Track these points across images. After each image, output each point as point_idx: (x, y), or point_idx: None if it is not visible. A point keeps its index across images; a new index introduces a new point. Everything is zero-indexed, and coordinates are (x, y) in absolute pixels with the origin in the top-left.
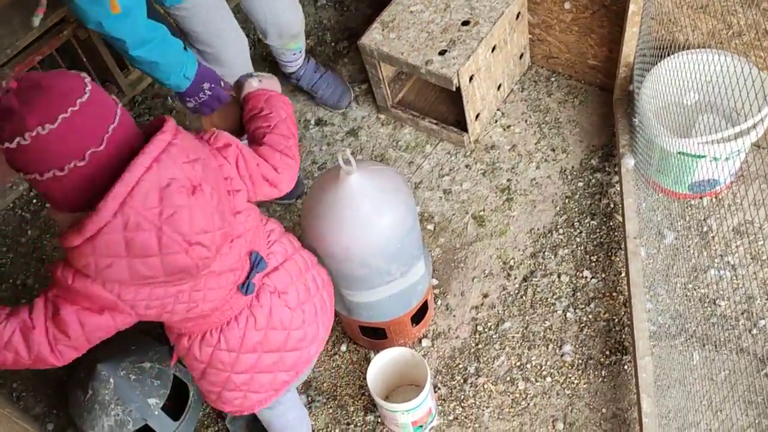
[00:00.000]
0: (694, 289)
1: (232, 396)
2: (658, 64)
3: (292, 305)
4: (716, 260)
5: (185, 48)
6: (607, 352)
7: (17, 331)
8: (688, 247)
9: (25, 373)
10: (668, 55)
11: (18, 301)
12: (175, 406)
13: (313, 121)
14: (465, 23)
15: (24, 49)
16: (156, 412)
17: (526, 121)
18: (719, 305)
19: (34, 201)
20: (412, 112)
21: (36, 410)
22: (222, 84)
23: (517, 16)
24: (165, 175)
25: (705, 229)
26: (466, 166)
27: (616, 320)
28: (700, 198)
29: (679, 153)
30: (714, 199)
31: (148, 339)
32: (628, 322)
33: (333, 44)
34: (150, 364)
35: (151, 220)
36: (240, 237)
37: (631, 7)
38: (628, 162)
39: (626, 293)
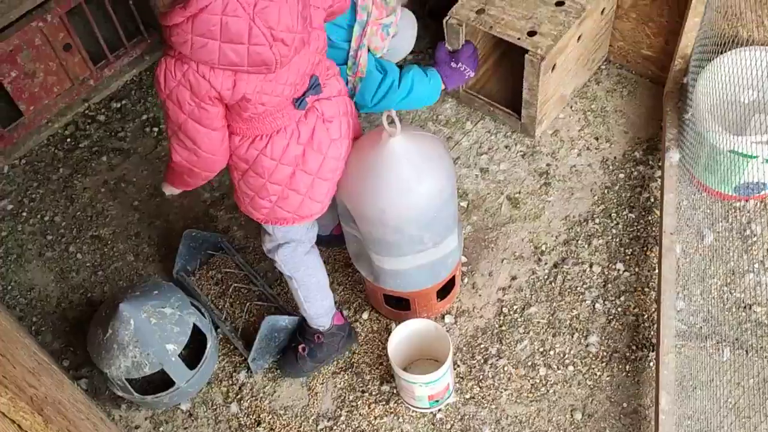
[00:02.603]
0: (730, 292)
1: (261, 204)
2: (717, 58)
3: (333, 135)
4: (756, 265)
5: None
6: (634, 347)
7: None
8: (728, 249)
9: (45, 308)
10: (729, 50)
11: (44, 237)
12: (191, 356)
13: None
14: None
15: None
16: (173, 359)
17: (571, 107)
18: (755, 311)
19: (68, 140)
20: (484, 97)
21: (54, 346)
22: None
23: None
24: None
25: (747, 232)
26: (506, 147)
27: (646, 316)
28: (746, 201)
29: (730, 151)
30: (760, 203)
31: (171, 285)
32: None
33: None
34: (171, 311)
35: (247, 9)
36: (308, 50)
37: None
38: (673, 156)
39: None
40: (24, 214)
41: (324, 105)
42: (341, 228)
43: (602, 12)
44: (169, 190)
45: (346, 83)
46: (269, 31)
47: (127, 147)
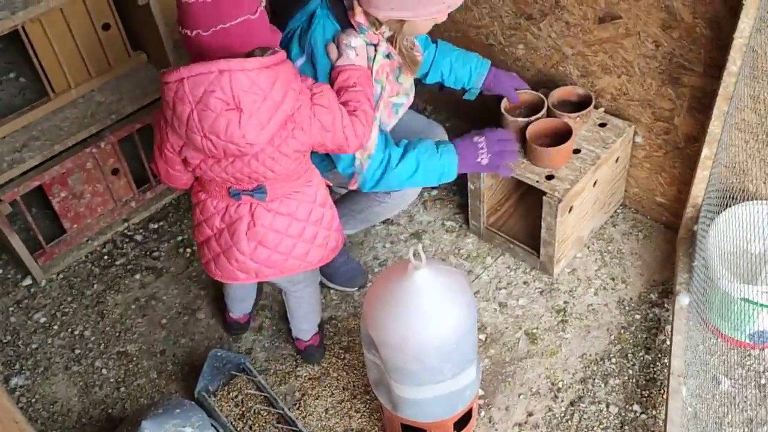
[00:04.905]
0: None
1: (197, 235)
2: (727, 210)
3: (251, 238)
4: None
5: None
6: None
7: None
8: (745, 397)
9: (66, 423)
10: (737, 202)
11: (72, 350)
12: None
13: (359, 165)
14: None
15: (127, 116)
16: None
17: (588, 248)
18: None
19: (105, 257)
20: (505, 235)
21: None
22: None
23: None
24: (219, 85)
25: (763, 381)
26: (524, 283)
27: None
28: (761, 349)
29: (742, 299)
30: None
31: (193, 405)
32: None
33: None
34: (191, 430)
35: (191, 102)
36: (250, 162)
37: (704, 152)
38: (683, 300)
39: None
40: (55, 327)
41: (259, 211)
42: (317, 338)
43: (616, 160)
44: None
45: (352, 163)
46: (201, 127)
47: (160, 266)
